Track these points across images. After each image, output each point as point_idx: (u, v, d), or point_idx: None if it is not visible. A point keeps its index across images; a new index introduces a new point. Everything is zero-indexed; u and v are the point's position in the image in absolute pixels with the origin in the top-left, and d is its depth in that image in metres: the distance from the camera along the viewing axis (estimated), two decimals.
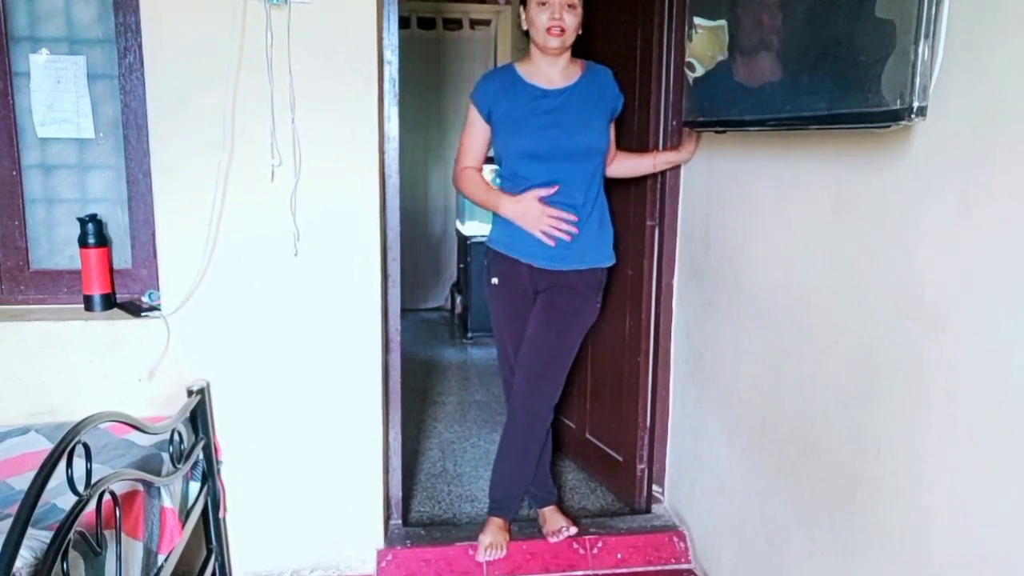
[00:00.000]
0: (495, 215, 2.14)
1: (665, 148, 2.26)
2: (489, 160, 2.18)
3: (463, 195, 2.20)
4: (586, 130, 2.05)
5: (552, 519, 2.31)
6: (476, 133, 2.11)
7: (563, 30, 1.95)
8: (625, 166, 2.20)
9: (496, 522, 2.28)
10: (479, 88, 2.09)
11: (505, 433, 2.26)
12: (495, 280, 2.16)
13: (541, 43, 2.00)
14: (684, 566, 2.29)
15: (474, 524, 2.41)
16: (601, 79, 2.11)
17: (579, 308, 2.13)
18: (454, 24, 5.11)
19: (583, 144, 2.05)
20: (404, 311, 2.29)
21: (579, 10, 1.98)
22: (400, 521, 2.37)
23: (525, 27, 2.04)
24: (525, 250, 2.07)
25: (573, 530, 2.27)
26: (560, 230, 2.02)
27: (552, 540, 2.27)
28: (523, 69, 2.08)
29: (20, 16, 2.02)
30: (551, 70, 2.05)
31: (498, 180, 2.18)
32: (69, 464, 1.19)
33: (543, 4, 1.95)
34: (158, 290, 2.04)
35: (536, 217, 2.02)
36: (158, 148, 1.94)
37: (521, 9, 2.04)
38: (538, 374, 2.15)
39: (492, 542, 2.23)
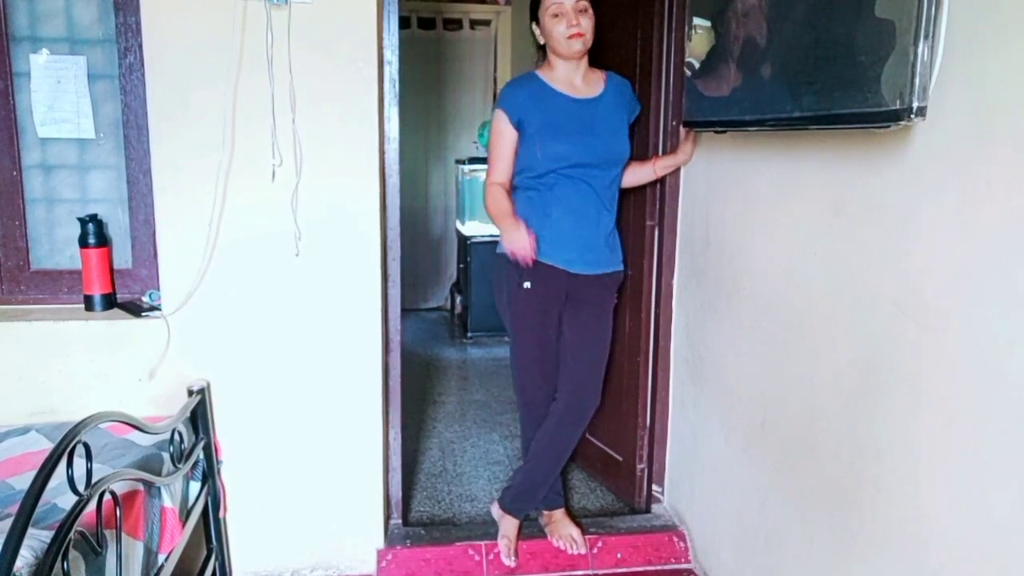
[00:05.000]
0: (529, 223, 2.07)
1: (664, 152, 2.27)
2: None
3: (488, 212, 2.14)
4: (617, 139, 2.10)
5: (562, 524, 2.31)
6: (506, 142, 2.08)
7: (583, 34, 1.98)
8: (627, 177, 2.21)
9: (515, 522, 2.28)
10: (507, 96, 2.08)
11: (546, 434, 2.21)
12: (528, 284, 2.08)
13: (565, 51, 2.01)
14: (684, 566, 2.29)
15: (474, 524, 2.41)
16: (623, 89, 2.17)
17: (610, 307, 2.21)
18: (454, 24, 5.11)
19: (616, 153, 2.10)
20: (404, 311, 2.29)
21: (591, 13, 2.00)
22: (400, 521, 2.37)
23: (542, 42, 2.06)
24: (561, 257, 2.07)
25: (583, 550, 2.26)
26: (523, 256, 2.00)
27: (557, 545, 2.27)
28: (547, 77, 2.08)
29: (20, 16, 2.02)
30: (575, 77, 2.07)
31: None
32: (69, 464, 1.19)
33: (557, 16, 1.97)
34: (158, 290, 2.04)
35: (521, 244, 1.98)
36: (158, 148, 1.94)
37: (533, 25, 2.07)
38: (592, 371, 2.19)
39: (512, 543, 2.25)
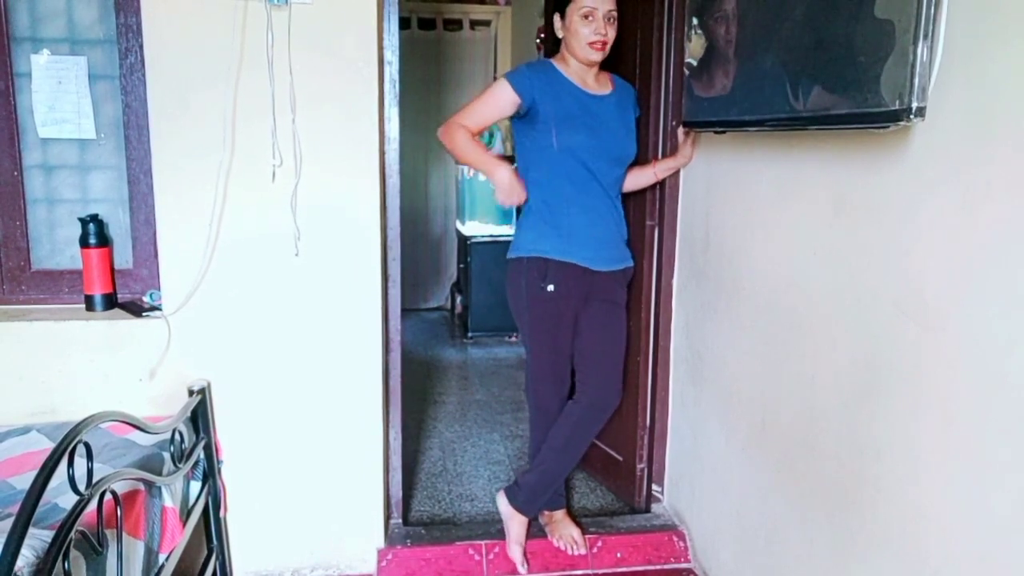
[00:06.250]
0: (540, 225, 2.08)
1: (663, 153, 2.27)
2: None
3: (448, 147, 2.09)
4: (627, 137, 2.12)
5: (563, 524, 2.30)
6: (497, 107, 2.04)
7: (605, 44, 1.98)
8: (628, 182, 2.21)
9: (525, 523, 2.26)
10: (522, 74, 2.03)
11: (564, 432, 2.19)
12: (551, 287, 2.07)
13: (582, 55, 2.01)
14: (683, 565, 2.29)
15: (474, 523, 2.41)
16: (628, 92, 2.19)
17: (624, 302, 2.24)
18: (454, 25, 5.11)
19: (626, 150, 2.12)
20: (404, 311, 2.30)
21: (616, 25, 2.00)
22: (400, 520, 2.37)
23: (561, 35, 2.05)
24: (581, 254, 2.07)
25: (583, 550, 2.26)
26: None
27: (558, 545, 2.27)
28: (562, 68, 2.07)
29: (21, 17, 2.02)
30: (586, 76, 2.08)
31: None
32: (70, 464, 1.20)
33: (587, 17, 1.96)
34: (159, 290, 2.05)
35: (518, 193, 2.04)
36: (159, 148, 1.94)
37: (557, 17, 2.05)
38: (614, 369, 2.20)
39: (524, 549, 2.23)
